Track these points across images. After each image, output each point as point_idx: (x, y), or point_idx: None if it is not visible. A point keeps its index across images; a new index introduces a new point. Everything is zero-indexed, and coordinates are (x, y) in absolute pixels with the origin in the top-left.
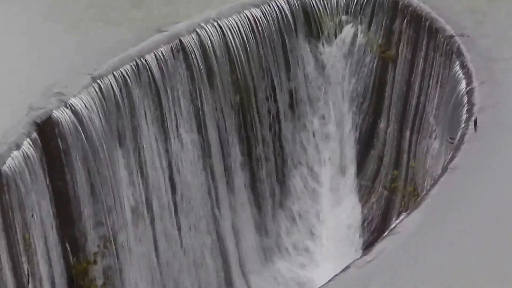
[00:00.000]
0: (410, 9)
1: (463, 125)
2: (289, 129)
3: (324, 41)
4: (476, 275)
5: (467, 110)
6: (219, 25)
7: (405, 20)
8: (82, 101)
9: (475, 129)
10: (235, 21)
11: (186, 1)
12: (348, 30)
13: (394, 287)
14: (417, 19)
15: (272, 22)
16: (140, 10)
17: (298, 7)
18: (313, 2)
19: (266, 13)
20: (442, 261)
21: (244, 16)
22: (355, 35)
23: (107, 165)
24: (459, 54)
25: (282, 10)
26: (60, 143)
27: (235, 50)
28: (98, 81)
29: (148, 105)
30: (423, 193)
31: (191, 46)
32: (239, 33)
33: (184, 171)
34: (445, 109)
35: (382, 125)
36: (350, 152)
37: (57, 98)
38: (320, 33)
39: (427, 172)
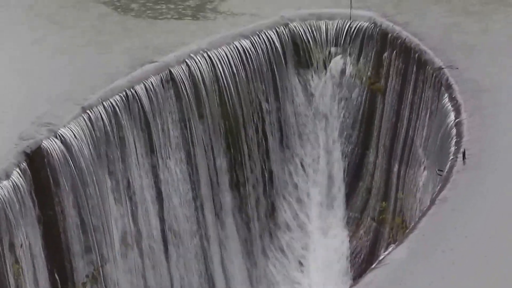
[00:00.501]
0: (399, 41)
1: (451, 157)
2: (278, 160)
3: (314, 73)
4: None
5: (455, 142)
6: (209, 56)
7: (394, 52)
8: (72, 131)
9: (464, 161)
10: (224, 52)
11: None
12: (337, 62)
13: None
14: (406, 51)
15: (261, 53)
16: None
17: (288, 38)
18: (303, 33)
19: (255, 44)
20: None
21: (234, 47)
22: (344, 67)
23: (96, 195)
24: (448, 86)
25: (271, 41)
26: (49, 173)
27: (225, 81)
28: (88, 111)
29: (138, 135)
30: (411, 225)
31: (181, 77)
32: (228, 64)
33: (173, 201)
34: (433, 141)
35: (371, 156)
36: (339, 183)
37: (47, 128)
38: (310, 65)
39: (415, 204)
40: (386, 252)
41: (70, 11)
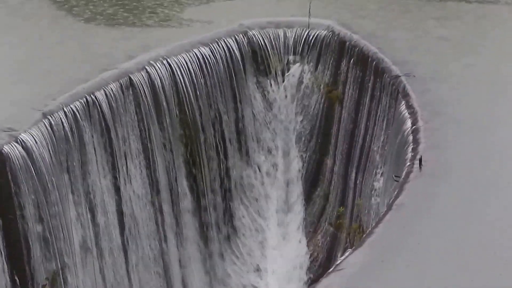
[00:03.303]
0: (357, 49)
1: (408, 163)
2: (237, 165)
3: (272, 80)
4: None
5: (412, 148)
6: (168, 63)
7: (352, 60)
8: (33, 136)
9: (420, 168)
10: (184, 59)
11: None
12: (295, 69)
13: None
14: (364, 59)
15: (221, 61)
16: None
17: (247, 46)
18: (261, 41)
19: (215, 52)
20: None
21: (193, 54)
22: (302, 74)
23: (56, 199)
24: (405, 94)
25: (230, 49)
26: (10, 178)
27: (184, 87)
28: (49, 116)
29: (98, 140)
30: (368, 230)
31: (140, 83)
32: (188, 70)
33: (132, 206)
34: (390, 147)
35: (328, 163)
36: (297, 189)
37: (8, 133)
38: (268, 72)
39: (372, 210)
40: (343, 257)
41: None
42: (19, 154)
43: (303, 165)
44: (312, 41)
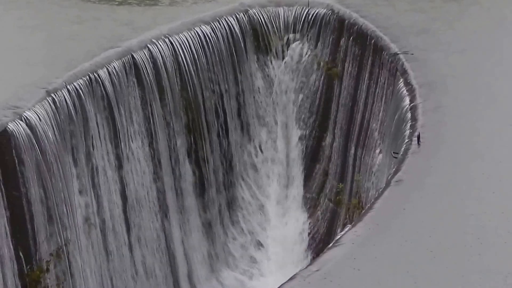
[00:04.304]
0: (355, 27)
1: (406, 140)
2: (237, 141)
3: (272, 58)
4: (418, 286)
5: (410, 125)
6: (170, 41)
7: (351, 38)
8: (37, 114)
9: (419, 144)
10: (185, 37)
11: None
12: (295, 47)
13: None
14: (363, 37)
15: (221, 39)
16: None
17: (247, 24)
18: (262, 20)
19: (216, 30)
20: (385, 272)
21: (195, 33)
22: (302, 52)
23: (59, 176)
24: (403, 71)
25: (231, 27)
26: (14, 155)
27: (185, 65)
28: (52, 94)
29: (101, 118)
30: (367, 205)
31: (143, 62)
32: (189, 49)
33: (134, 181)
34: (389, 124)
35: (328, 139)
36: (297, 165)
37: (12, 111)
38: (269, 50)
39: (371, 186)
40: (343, 232)
41: None
42: (23, 131)
43: (303, 141)
44: (312, 19)
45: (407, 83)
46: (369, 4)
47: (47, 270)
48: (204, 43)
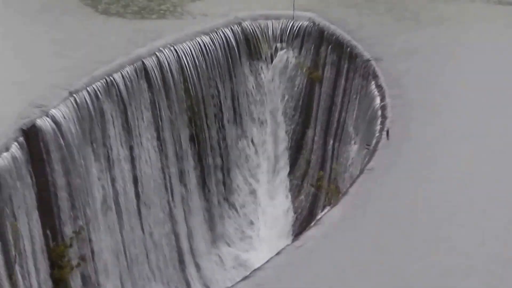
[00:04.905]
0: (334, 37)
1: (377, 134)
2: (233, 135)
3: (263, 64)
4: (389, 260)
5: (380, 122)
6: (175, 50)
7: (330, 46)
8: (61, 111)
9: (388, 138)
10: (188, 46)
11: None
12: (282, 55)
13: (319, 267)
14: (340, 46)
15: (219, 47)
16: None
17: (241, 35)
18: (253, 31)
19: (214, 40)
20: (360, 247)
21: (196, 42)
22: (288, 59)
23: (81, 165)
24: (375, 75)
25: (227, 37)
26: (42, 146)
27: (188, 70)
28: (74, 95)
29: (116, 115)
30: (343, 190)
31: (152, 67)
32: (191, 56)
33: (145, 170)
34: (362, 121)
35: (310, 133)
36: (283, 155)
37: (40, 109)
38: (259, 57)
39: (347, 173)
40: (323, 213)
41: None
42: (50, 126)
43: (289, 135)
44: (296, 30)
45: (378, 85)
46: (348, 17)
47: (71, 245)
48: (204, 51)
